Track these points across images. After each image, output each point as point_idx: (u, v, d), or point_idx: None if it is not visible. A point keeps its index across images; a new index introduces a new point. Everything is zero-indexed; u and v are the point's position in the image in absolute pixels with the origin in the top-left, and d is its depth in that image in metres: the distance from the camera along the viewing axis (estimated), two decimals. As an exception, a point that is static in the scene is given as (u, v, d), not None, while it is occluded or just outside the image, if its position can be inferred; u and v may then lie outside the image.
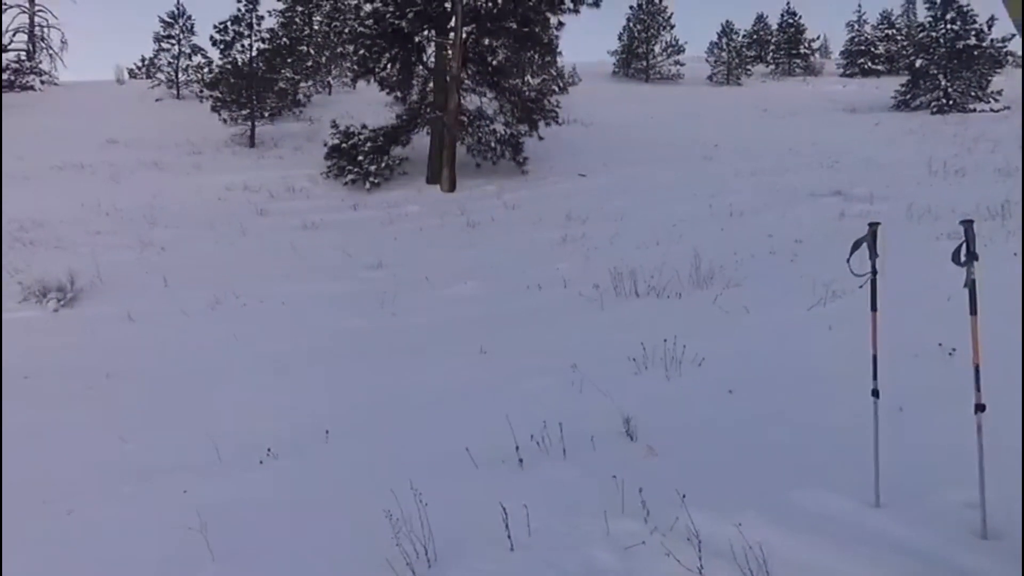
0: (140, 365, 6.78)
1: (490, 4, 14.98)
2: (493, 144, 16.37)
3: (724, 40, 32.45)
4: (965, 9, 22.97)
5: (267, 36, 20.00)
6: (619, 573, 2.56)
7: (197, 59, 24.54)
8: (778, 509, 2.80)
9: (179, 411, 5.50)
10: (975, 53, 22.54)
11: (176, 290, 9.07)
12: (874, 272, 2.88)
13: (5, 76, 23.99)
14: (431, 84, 16.91)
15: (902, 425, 3.29)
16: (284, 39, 21.62)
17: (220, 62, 19.92)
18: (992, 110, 21.03)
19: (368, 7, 15.66)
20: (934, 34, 23.05)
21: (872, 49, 32.79)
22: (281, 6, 25.26)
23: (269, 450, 4.36)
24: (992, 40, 22.93)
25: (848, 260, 2.92)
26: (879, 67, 31.90)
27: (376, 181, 15.54)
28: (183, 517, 3.27)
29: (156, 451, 4.68)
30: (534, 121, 16.28)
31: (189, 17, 26.09)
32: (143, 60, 29.92)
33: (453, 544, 2.82)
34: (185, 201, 14.05)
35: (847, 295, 5.61)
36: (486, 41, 15.99)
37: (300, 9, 25.36)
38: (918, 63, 22.85)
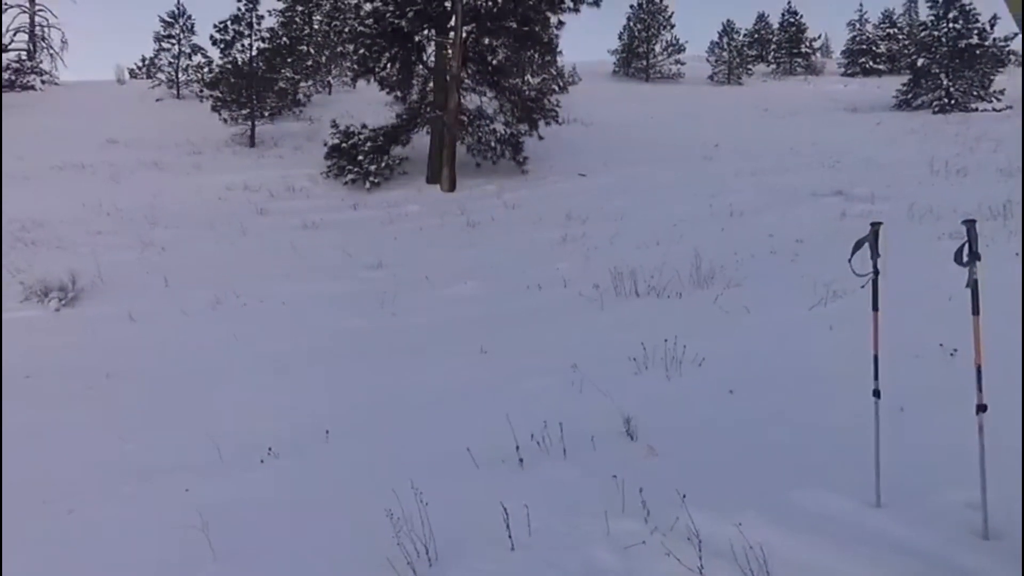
0: (141, 365, 6.78)
1: (490, 3, 14.97)
2: (493, 144, 16.36)
3: (725, 39, 32.36)
4: (967, 8, 22.90)
5: (267, 36, 20.01)
6: (619, 573, 2.56)
7: (197, 59, 24.60)
8: (778, 509, 2.80)
9: (179, 411, 5.50)
10: (977, 52, 22.47)
11: (176, 290, 9.08)
12: (876, 272, 2.87)
13: (5, 76, 24.00)
14: (431, 83, 16.90)
15: (903, 425, 3.29)
16: (284, 39, 21.63)
17: (220, 62, 19.95)
18: (994, 109, 20.98)
19: (368, 6, 15.67)
20: (936, 33, 22.99)
21: (873, 48, 32.75)
22: (281, 6, 25.29)
23: (270, 450, 4.37)
24: (994, 39, 22.85)
25: (850, 260, 2.92)
26: (880, 66, 31.84)
27: (376, 181, 15.53)
28: (184, 517, 3.27)
29: (156, 451, 4.68)
30: (534, 120, 16.26)
31: (189, 17, 26.15)
32: (143, 60, 30.03)
33: (454, 544, 2.83)
34: (185, 201, 14.07)
35: (848, 295, 5.60)
36: (486, 40, 15.98)
37: (300, 8, 25.37)
38: (920, 62, 22.79)
